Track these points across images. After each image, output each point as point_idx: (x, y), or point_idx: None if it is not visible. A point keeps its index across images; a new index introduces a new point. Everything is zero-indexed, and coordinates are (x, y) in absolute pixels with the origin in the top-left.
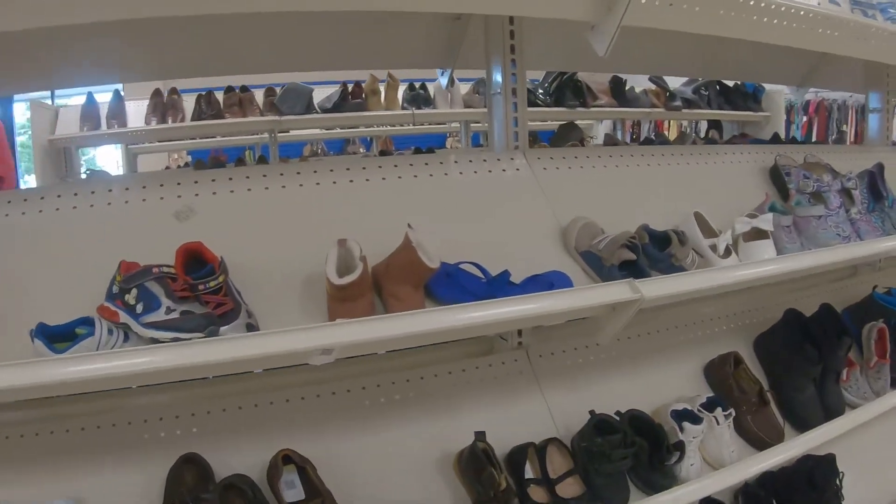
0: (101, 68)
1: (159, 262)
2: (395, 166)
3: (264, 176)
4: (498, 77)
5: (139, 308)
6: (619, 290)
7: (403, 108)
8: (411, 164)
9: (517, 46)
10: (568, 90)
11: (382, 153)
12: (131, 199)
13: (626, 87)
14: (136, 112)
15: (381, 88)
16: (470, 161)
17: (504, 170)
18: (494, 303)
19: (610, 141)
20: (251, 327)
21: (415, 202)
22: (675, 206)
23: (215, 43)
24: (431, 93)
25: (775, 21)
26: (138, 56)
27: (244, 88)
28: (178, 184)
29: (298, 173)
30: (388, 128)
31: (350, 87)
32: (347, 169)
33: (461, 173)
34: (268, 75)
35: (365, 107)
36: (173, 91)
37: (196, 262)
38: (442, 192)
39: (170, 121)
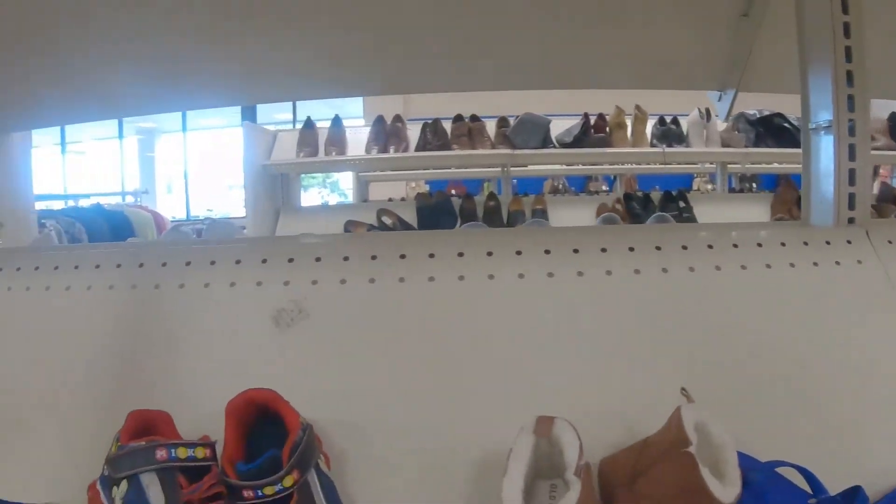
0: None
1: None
2: (631, 250)
3: (401, 257)
4: (825, 100)
5: None
6: None
7: (653, 144)
8: (658, 248)
9: (855, 50)
10: None
11: (626, 197)
12: (189, 282)
13: None
14: (356, 140)
15: (628, 122)
16: (763, 245)
17: (838, 262)
18: None
19: (890, 192)
20: None
21: (660, 324)
22: None
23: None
24: (685, 128)
25: None
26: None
27: (474, 118)
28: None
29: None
30: (635, 166)
31: (593, 119)
32: (578, 250)
33: (744, 267)
34: (500, 105)
35: (609, 142)
36: (397, 118)
37: (260, 433)
38: (714, 308)
39: (392, 150)
